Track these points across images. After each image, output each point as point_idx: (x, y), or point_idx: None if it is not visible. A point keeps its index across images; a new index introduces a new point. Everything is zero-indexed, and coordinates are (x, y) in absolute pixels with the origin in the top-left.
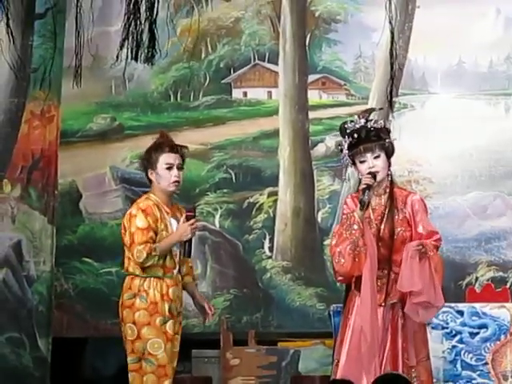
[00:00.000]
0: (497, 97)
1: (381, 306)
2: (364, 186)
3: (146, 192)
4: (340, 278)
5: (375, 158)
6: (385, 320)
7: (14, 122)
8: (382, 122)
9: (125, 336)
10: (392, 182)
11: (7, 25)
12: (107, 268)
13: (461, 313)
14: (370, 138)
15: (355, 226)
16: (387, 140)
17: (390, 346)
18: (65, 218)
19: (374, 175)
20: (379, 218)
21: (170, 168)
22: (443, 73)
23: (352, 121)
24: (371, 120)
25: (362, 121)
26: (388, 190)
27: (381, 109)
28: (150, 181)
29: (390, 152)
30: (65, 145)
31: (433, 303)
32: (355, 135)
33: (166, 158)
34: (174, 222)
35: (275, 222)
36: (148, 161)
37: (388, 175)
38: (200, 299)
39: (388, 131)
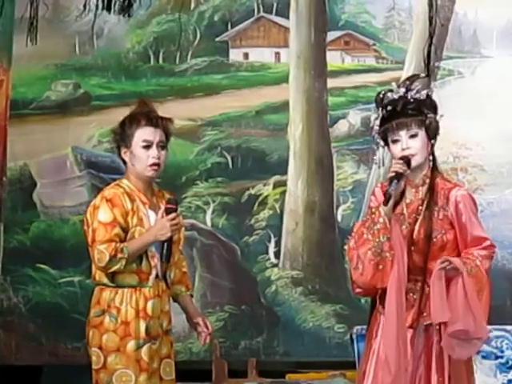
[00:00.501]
0: None
1: (411, 327)
2: (392, 175)
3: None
4: (358, 290)
5: (411, 136)
6: (417, 346)
7: None
8: (426, 92)
9: (91, 363)
10: (434, 171)
11: None
12: (68, 277)
13: None
14: (407, 111)
15: (379, 225)
16: (430, 115)
17: (422, 380)
18: (14, 212)
19: (407, 160)
20: (414, 215)
21: (147, 147)
22: (500, 31)
23: (391, 90)
24: (413, 89)
25: (402, 90)
26: (428, 181)
27: (427, 76)
28: (124, 162)
29: (432, 131)
30: (16, 118)
31: (472, 334)
32: (389, 107)
33: (142, 134)
34: (152, 214)
35: (283, 220)
36: (121, 136)
37: (429, 161)
38: (194, 314)
39: (433, 105)
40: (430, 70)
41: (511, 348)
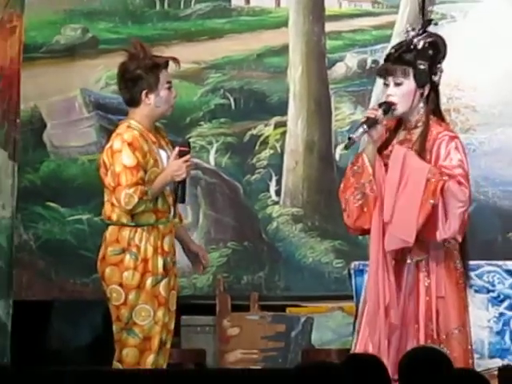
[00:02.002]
0: None
1: (398, 263)
2: (363, 120)
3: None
4: (350, 231)
5: (396, 84)
6: (406, 282)
7: None
8: (428, 41)
9: (108, 299)
10: (428, 115)
11: None
12: (77, 215)
13: (510, 273)
14: (397, 57)
15: (361, 169)
16: (421, 66)
17: (412, 317)
18: (25, 152)
19: (387, 106)
20: None
21: (170, 88)
22: None
23: (408, 30)
24: (421, 36)
25: (412, 33)
26: (420, 124)
27: (436, 23)
28: (134, 104)
29: (422, 81)
30: (27, 62)
31: (402, 236)
32: (391, 50)
33: (166, 76)
34: (163, 154)
35: (283, 159)
36: (147, 81)
37: (423, 106)
38: (192, 245)
39: (431, 55)
40: (424, 14)
41: (502, 282)
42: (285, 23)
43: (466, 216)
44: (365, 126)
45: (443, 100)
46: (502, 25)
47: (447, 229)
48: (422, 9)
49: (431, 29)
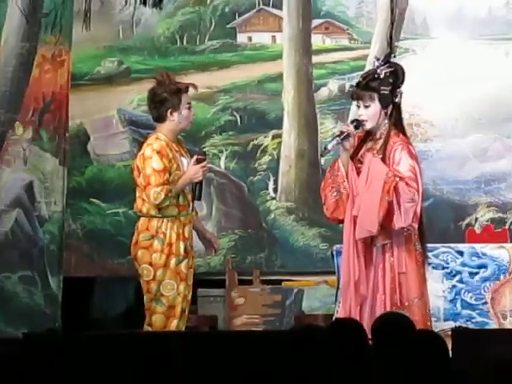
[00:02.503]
0: (497, 41)
1: (368, 246)
2: (337, 133)
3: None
4: (329, 220)
5: (365, 107)
6: (375, 261)
7: (26, 66)
8: (388, 71)
9: (140, 275)
10: (390, 129)
11: None
12: (114, 209)
13: (461, 253)
14: (365, 85)
15: (338, 172)
16: (383, 91)
17: (380, 288)
18: (73, 159)
19: (358, 123)
20: None
21: (189, 108)
22: (444, 18)
23: (374, 61)
24: (384, 66)
25: (376, 64)
26: (384, 136)
27: (395, 56)
28: (161, 121)
29: (385, 102)
30: (74, 88)
31: (368, 227)
32: (359, 78)
33: (187, 98)
34: (184, 160)
35: (279, 163)
36: (171, 102)
37: (385, 123)
38: (205, 232)
39: (391, 82)
40: (391, 48)
41: (454, 261)
42: (280, 56)
43: (417, 209)
44: (338, 139)
45: (406, 116)
46: (452, 57)
47: (401, 220)
48: (390, 44)
49: (396, 59)
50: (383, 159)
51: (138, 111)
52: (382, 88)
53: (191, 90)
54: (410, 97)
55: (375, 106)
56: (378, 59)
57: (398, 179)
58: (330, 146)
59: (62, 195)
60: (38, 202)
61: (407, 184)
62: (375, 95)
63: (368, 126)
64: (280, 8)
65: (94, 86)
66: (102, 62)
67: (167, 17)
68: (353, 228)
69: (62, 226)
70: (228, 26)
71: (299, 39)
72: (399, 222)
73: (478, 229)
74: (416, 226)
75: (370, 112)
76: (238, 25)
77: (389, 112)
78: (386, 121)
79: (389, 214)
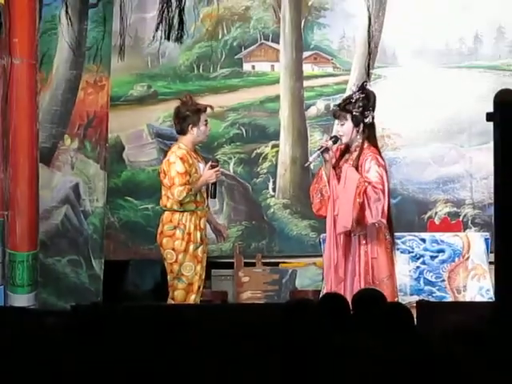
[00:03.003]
0: (452, 69)
1: (347, 236)
2: (319, 147)
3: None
4: (315, 216)
5: (341, 125)
6: (353, 249)
7: (73, 89)
8: (361, 96)
9: (165, 259)
10: (364, 143)
11: (66, 12)
12: (144, 205)
13: (423, 240)
14: (342, 107)
15: (321, 178)
16: (355, 112)
17: (357, 270)
18: (112, 165)
19: (336, 138)
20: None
21: (207, 124)
22: (409, 50)
23: (352, 87)
24: (358, 92)
25: (353, 89)
26: (358, 149)
27: (366, 84)
28: (182, 133)
29: (357, 121)
30: (112, 107)
31: (344, 223)
32: (340, 101)
33: (204, 116)
34: (201, 165)
35: (277, 168)
36: (192, 119)
37: (359, 137)
38: (216, 224)
39: (362, 105)
40: (368, 75)
41: (418, 246)
42: (277, 81)
43: (384, 207)
44: (318, 152)
45: (379, 129)
46: (416, 82)
47: (371, 217)
48: (367, 72)
49: (371, 84)
50: (357, 168)
51: (163, 126)
52: (354, 110)
53: (208, 110)
54: (382, 114)
55: (348, 124)
56: (356, 86)
57: (367, 184)
58: (311, 159)
59: (103, 194)
60: (82, 200)
61: (374, 187)
62: (348, 115)
63: (344, 140)
64: (277, 42)
65: (128, 105)
66: (134, 86)
67: (186, 50)
68: (333, 224)
69: (103, 219)
70: (235, 57)
71: (293, 67)
72: (370, 218)
73: (437, 221)
74: (384, 220)
75: (344, 129)
76: (243, 56)
77: (360, 129)
78: (359, 136)
79: (362, 212)
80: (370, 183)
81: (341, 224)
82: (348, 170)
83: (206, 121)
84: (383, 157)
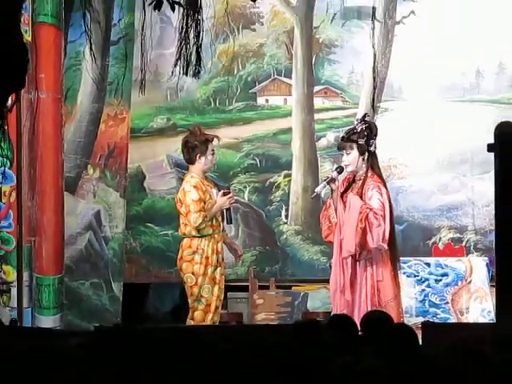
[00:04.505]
0: (455, 103)
1: (358, 260)
2: (325, 178)
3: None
4: (325, 241)
5: (347, 154)
6: (359, 272)
7: (95, 121)
8: (364, 126)
9: (185, 282)
10: (368, 171)
11: (90, 49)
12: (164, 231)
13: (428, 264)
14: (346, 138)
15: (329, 207)
16: (360, 142)
17: (363, 293)
18: (133, 193)
19: (341, 169)
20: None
21: (213, 153)
22: (414, 84)
23: (356, 119)
24: (361, 123)
25: (356, 122)
26: (362, 177)
27: (367, 116)
28: (191, 163)
29: (362, 150)
30: (133, 138)
31: (349, 248)
32: (344, 133)
33: (211, 147)
34: (214, 191)
35: (289, 196)
36: (200, 149)
37: (364, 166)
38: (232, 243)
39: (366, 134)
40: (374, 108)
41: (423, 270)
42: (289, 114)
43: (385, 233)
44: (324, 183)
45: (386, 159)
46: (421, 114)
47: (373, 242)
48: (373, 105)
49: (378, 117)
50: (361, 196)
51: (181, 156)
52: (359, 139)
53: (216, 140)
54: (389, 145)
55: (354, 153)
56: (357, 119)
57: (368, 210)
58: (317, 190)
59: (122, 220)
60: (103, 226)
61: (375, 213)
62: (354, 145)
63: (349, 169)
64: (290, 77)
65: (149, 137)
66: (154, 118)
67: (204, 84)
68: (339, 249)
69: (122, 244)
70: (250, 91)
71: (304, 101)
72: (371, 243)
73: (441, 246)
74: (385, 245)
75: (350, 158)
76: (257, 90)
77: (365, 158)
78: (364, 165)
79: (364, 237)
80: (371, 209)
81: (345, 248)
82: (352, 198)
83: (213, 150)
84: (387, 185)
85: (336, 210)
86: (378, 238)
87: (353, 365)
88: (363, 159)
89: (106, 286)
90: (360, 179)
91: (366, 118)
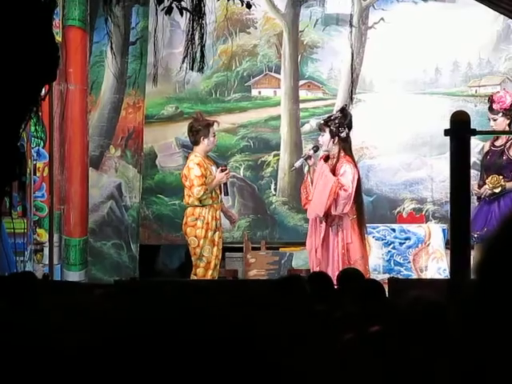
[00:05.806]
0: (417, 95)
1: (328, 225)
2: (303, 155)
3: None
4: (304, 209)
5: (322, 136)
6: (332, 236)
7: (117, 109)
8: (339, 115)
9: (189, 244)
10: (340, 152)
11: (111, 48)
12: (173, 201)
13: (394, 230)
14: (324, 122)
15: (306, 180)
16: (332, 128)
17: (335, 253)
18: (147, 169)
19: (317, 147)
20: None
21: (214, 136)
22: (384, 79)
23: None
24: (338, 113)
25: (336, 110)
26: (335, 157)
27: (344, 105)
28: (196, 144)
29: (333, 135)
30: (147, 124)
31: (316, 211)
32: (323, 119)
33: (213, 129)
34: (214, 168)
35: (278, 173)
36: (203, 132)
37: (334, 148)
38: (227, 211)
39: (338, 122)
40: (352, 99)
41: (389, 235)
42: (279, 104)
43: (346, 206)
44: (302, 159)
45: (359, 142)
46: (389, 105)
47: (335, 210)
48: (351, 96)
49: (353, 107)
50: (333, 172)
51: (187, 139)
52: (331, 125)
53: (216, 124)
54: (362, 130)
55: (326, 135)
56: (338, 109)
57: (339, 185)
58: (296, 164)
59: (139, 192)
60: (124, 196)
61: (345, 190)
62: (327, 129)
63: (323, 148)
64: (279, 73)
65: (160, 122)
66: (165, 107)
67: (206, 78)
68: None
69: (139, 212)
70: (245, 84)
71: (291, 93)
72: (333, 211)
73: (404, 215)
74: (346, 212)
75: (323, 139)
76: (251, 84)
77: (335, 141)
78: (335, 147)
79: (330, 206)
80: (342, 186)
81: (314, 211)
82: (326, 170)
83: (214, 133)
84: (357, 165)
85: (312, 183)
86: (340, 209)
87: (332, 311)
88: (333, 142)
89: (125, 247)
90: (334, 157)
91: (344, 110)
